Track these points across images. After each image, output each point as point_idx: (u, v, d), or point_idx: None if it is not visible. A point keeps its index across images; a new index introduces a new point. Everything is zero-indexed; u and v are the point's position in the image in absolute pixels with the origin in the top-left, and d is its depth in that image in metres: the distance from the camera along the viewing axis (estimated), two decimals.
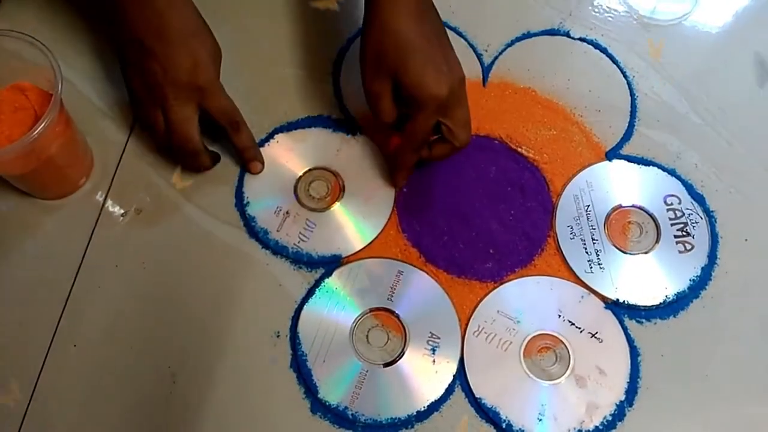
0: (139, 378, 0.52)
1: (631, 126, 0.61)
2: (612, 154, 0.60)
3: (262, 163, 0.58)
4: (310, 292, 0.54)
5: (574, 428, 0.50)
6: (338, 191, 0.58)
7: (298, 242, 0.56)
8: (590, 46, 0.64)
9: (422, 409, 0.51)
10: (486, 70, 0.63)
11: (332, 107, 0.61)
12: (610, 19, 0.66)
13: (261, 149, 0.58)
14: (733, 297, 0.55)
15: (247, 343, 0.53)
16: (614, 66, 0.63)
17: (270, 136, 0.60)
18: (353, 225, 0.56)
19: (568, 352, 0.52)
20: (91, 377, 0.52)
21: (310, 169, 0.58)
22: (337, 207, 0.57)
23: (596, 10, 0.66)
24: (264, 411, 0.51)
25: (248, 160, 0.58)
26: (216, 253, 0.56)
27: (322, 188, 0.58)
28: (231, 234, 0.56)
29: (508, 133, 0.60)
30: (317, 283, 0.54)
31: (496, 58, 0.63)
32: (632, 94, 0.62)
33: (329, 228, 0.56)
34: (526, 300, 0.54)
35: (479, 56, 0.63)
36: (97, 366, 0.52)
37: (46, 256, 0.55)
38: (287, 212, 0.57)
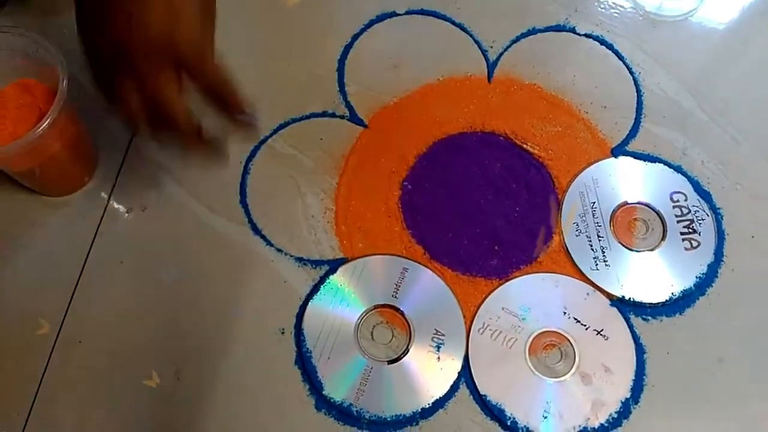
0: (143, 374, 0.52)
1: (637, 122, 0.60)
2: (618, 151, 0.59)
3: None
4: (315, 289, 0.54)
5: (580, 425, 0.50)
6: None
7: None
8: (596, 42, 0.64)
9: (427, 406, 0.51)
10: (491, 66, 0.63)
11: (337, 103, 0.61)
12: (616, 15, 0.66)
13: (265, 144, 0.59)
14: (740, 294, 0.54)
15: (251, 340, 0.53)
16: (620, 62, 0.63)
17: (274, 132, 0.60)
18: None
19: (574, 349, 0.52)
20: (96, 373, 0.52)
21: None
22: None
23: (602, 6, 0.66)
24: (268, 407, 0.51)
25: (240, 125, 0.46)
26: (220, 249, 0.56)
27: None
28: (236, 231, 0.56)
29: (513, 130, 0.60)
30: (322, 279, 0.54)
31: (501, 54, 0.63)
32: (638, 91, 0.62)
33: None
34: (532, 297, 0.54)
35: (484, 52, 0.63)
36: (102, 362, 0.52)
37: (51, 253, 0.56)
38: None
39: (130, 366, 0.52)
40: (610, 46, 0.64)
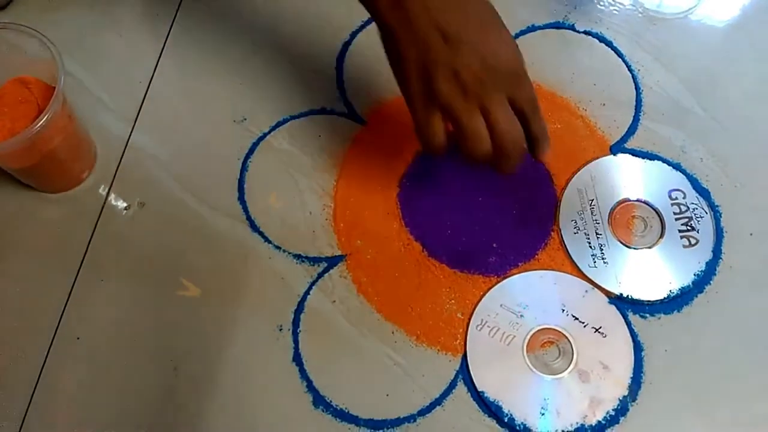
0: (141, 370, 0.52)
1: (635, 120, 0.60)
2: (616, 148, 0.59)
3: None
4: (313, 285, 0.54)
5: (577, 423, 0.50)
6: None
7: None
8: (595, 40, 0.64)
9: (425, 403, 0.51)
10: None
11: (336, 101, 0.61)
12: (615, 12, 0.65)
13: (264, 141, 0.58)
14: (738, 292, 0.54)
15: (249, 337, 0.53)
16: (619, 59, 0.63)
17: (273, 128, 0.60)
18: None
19: (572, 346, 0.52)
20: (94, 369, 0.52)
21: None
22: None
23: (601, 3, 0.66)
24: (266, 404, 0.51)
25: (541, 143, 0.47)
26: (219, 246, 0.56)
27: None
28: (234, 228, 0.56)
29: None
30: (319, 276, 0.54)
31: None
32: (637, 88, 0.62)
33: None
34: (530, 294, 0.54)
35: None
36: (99, 358, 0.52)
37: (49, 250, 0.56)
38: None
39: (128, 363, 0.52)
40: (609, 44, 0.64)
